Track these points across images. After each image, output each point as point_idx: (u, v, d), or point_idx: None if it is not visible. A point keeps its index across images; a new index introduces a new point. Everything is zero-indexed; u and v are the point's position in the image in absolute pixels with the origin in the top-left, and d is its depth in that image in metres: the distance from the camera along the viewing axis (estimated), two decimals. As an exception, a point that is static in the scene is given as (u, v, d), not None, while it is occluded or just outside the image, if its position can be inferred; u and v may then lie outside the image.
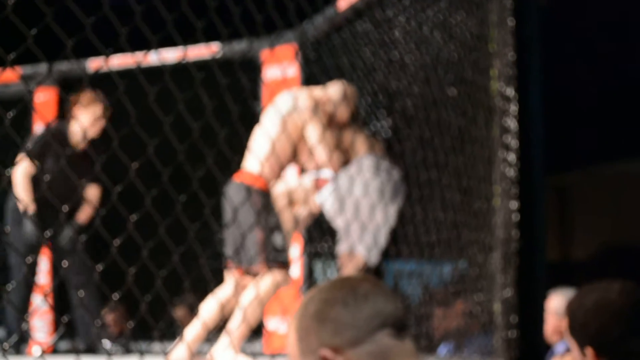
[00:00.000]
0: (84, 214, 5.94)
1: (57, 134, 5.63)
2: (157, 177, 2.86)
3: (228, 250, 4.87)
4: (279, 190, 5.09)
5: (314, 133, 4.95)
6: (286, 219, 5.09)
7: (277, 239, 4.88)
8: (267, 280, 4.81)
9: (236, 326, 4.77)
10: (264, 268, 4.84)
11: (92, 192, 5.87)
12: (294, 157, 5.14)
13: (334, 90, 5.10)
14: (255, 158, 4.91)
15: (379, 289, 1.95)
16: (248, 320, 4.69)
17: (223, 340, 4.84)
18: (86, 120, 5.59)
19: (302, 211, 5.34)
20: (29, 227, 5.64)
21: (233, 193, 4.89)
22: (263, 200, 4.89)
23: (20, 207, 5.70)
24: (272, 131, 4.88)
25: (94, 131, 5.65)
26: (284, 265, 4.91)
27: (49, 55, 2.45)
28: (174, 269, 2.87)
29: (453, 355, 4.93)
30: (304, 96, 5.02)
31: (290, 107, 4.90)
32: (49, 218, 5.41)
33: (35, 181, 5.58)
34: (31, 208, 5.62)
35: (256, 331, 6.17)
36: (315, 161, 5.14)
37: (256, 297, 4.72)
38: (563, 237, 20.77)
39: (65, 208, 5.15)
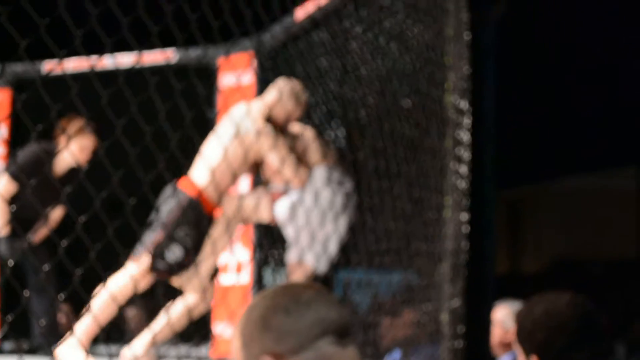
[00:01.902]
0: (42, 232, 6.10)
1: (39, 157, 5.64)
2: (109, 180, 2.85)
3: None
4: (230, 202, 5.10)
5: (271, 153, 4.98)
6: (228, 226, 5.09)
7: (172, 251, 4.89)
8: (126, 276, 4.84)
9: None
10: (137, 265, 4.87)
11: (56, 214, 5.95)
12: (244, 171, 5.15)
13: (277, 88, 5.12)
14: (202, 171, 4.92)
15: (322, 296, 1.96)
16: (96, 316, 4.72)
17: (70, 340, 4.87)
18: (72, 150, 5.64)
19: (252, 218, 5.36)
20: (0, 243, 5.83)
21: (166, 194, 4.90)
22: (191, 211, 4.90)
23: None
24: (218, 150, 4.87)
25: (80, 159, 5.71)
26: (158, 274, 4.93)
27: (2, 55, 2.44)
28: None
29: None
30: (257, 110, 5.02)
31: (239, 126, 4.89)
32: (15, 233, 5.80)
33: (11, 200, 5.73)
34: (5, 231, 5.81)
35: (204, 335, 6.18)
36: (271, 175, 5.17)
37: (109, 288, 4.75)
38: (513, 250, 20.90)
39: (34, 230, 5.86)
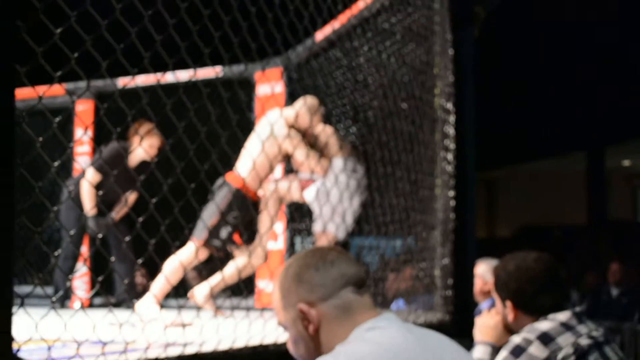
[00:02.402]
0: (121, 210, 6.18)
1: (119, 153, 5.69)
2: (174, 170, 2.85)
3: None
4: (269, 187, 5.12)
5: (297, 151, 5.00)
6: (271, 206, 5.13)
7: (224, 231, 4.92)
8: (189, 250, 4.88)
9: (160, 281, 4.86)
10: (195, 242, 4.89)
11: (132, 197, 6.01)
12: (277, 163, 5.17)
13: (299, 105, 5.13)
14: (245, 164, 4.95)
15: (343, 256, 1.96)
16: (167, 277, 4.75)
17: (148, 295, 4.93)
18: (143, 147, 5.73)
19: (287, 198, 5.37)
20: (89, 221, 5.88)
21: (218, 183, 4.93)
22: (238, 199, 4.92)
23: (84, 207, 5.86)
24: (258, 146, 4.90)
25: (148, 156, 5.75)
26: (213, 248, 4.95)
27: (88, 73, 2.43)
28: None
29: (403, 309, 4.93)
30: (286, 117, 5.04)
31: (272, 129, 4.90)
32: (101, 212, 5.93)
33: (97, 186, 5.81)
34: (93, 211, 5.85)
35: (249, 290, 6.18)
36: (298, 166, 5.19)
37: (177, 257, 4.77)
38: (489, 219, 20.85)
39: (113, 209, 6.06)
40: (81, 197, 5.82)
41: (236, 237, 5.05)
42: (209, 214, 4.89)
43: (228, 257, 5.18)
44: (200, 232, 4.88)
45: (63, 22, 2.25)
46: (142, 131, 5.63)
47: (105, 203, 5.96)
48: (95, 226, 5.86)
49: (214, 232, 4.90)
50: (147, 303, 4.79)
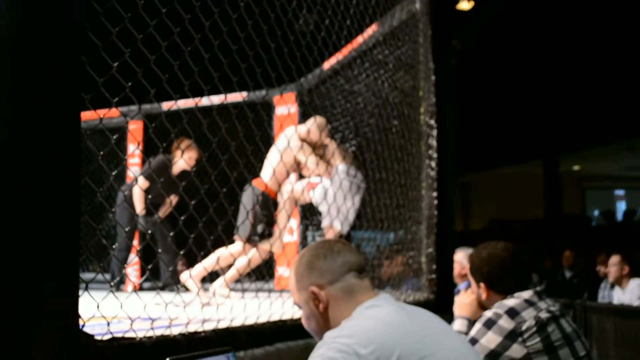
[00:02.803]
0: (166, 210, 6.18)
1: (165, 164, 5.69)
2: (209, 177, 2.86)
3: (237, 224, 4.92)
4: (286, 188, 5.13)
5: (301, 156, 5.00)
6: (288, 206, 5.13)
7: (259, 227, 4.93)
8: (230, 247, 4.88)
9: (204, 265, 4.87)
10: (242, 240, 4.89)
11: (173, 199, 6.04)
12: (293, 170, 5.18)
13: (310, 123, 5.13)
14: (267, 171, 4.97)
15: (347, 247, 1.97)
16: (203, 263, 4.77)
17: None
18: (184, 159, 5.75)
19: (300, 200, 5.38)
20: (140, 219, 5.88)
21: (247, 191, 4.95)
22: (263, 199, 4.94)
23: (136, 208, 5.87)
24: (277, 156, 4.92)
25: (188, 166, 5.78)
26: (252, 242, 4.96)
27: (138, 98, 2.44)
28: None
29: (395, 290, 4.92)
30: (300, 132, 5.05)
31: (288, 142, 4.92)
32: (149, 212, 5.95)
33: (146, 191, 5.85)
34: (142, 211, 5.88)
35: (270, 275, 6.18)
36: (308, 171, 5.19)
37: (228, 251, 4.75)
38: (464, 215, 20.81)
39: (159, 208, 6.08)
40: (133, 200, 5.84)
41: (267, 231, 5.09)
42: (245, 214, 4.92)
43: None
44: (241, 230, 4.90)
45: (119, 56, 2.27)
46: (183, 145, 5.66)
47: (152, 205, 5.98)
48: (145, 223, 5.88)
49: (253, 229, 4.93)
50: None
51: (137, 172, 6.38)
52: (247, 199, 4.93)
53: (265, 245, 5.00)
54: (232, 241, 4.94)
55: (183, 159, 5.75)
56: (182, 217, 2.62)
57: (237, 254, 4.85)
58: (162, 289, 5.86)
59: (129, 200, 5.86)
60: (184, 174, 5.93)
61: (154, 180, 5.62)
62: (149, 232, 5.86)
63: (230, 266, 5.06)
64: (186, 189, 2.80)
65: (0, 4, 1.61)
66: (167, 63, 2.47)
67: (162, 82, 2.40)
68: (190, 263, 5.44)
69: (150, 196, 5.82)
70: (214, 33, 2.67)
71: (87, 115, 2.10)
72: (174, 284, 5.43)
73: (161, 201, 6.07)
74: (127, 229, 5.86)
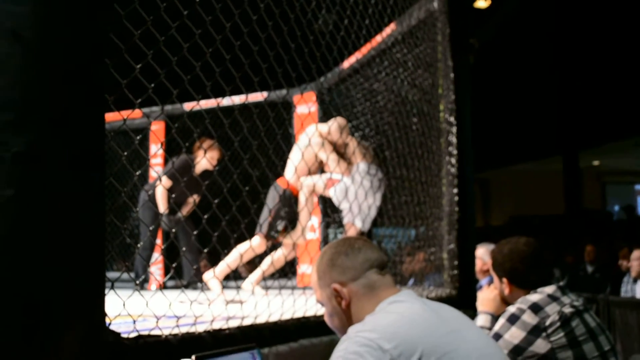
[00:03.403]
0: (189, 209, 6.22)
1: (187, 163, 5.71)
2: (231, 176, 2.86)
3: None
4: (306, 182, 5.12)
5: (322, 154, 4.99)
6: (308, 202, 5.13)
7: (279, 223, 4.93)
8: (249, 243, 4.87)
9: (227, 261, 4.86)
10: (261, 235, 4.90)
11: (196, 198, 6.05)
12: (314, 168, 5.19)
13: (331, 123, 5.11)
14: (290, 169, 4.98)
15: (368, 244, 1.97)
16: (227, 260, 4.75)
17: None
18: (206, 158, 5.74)
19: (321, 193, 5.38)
20: (163, 218, 5.91)
21: (271, 189, 4.97)
22: (285, 197, 4.95)
23: (159, 207, 5.85)
24: (299, 154, 4.95)
25: (210, 166, 5.79)
26: (269, 237, 4.97)
27: (160, 99, 2.44)
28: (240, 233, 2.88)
29: (417, 286, 4.90)
30: (320, 131, 5.05)
31: (309, 140, 4.93)
32: (172, 211, 5.97)
33: (170, 190, 5.84)
34: (165, 210, 5.87)
35: (293, 272, 6.18)
36: (329, 169, 5.18)
37: (245, 247, 4.77)
38: (484, 211, 20.73)
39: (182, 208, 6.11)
40: (156, 199, 5.86)
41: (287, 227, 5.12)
42: (267, 212, 4.95)
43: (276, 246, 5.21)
44: (262, 226, 4.93)
45: (142, 58, 2.27)
46: (205, 145, 5.67)
47: (175, 204, 6.00)
48: (168, 222, 5.90)
49: (272, 225, 4.94)
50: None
51: (160, 172, 6.39)
52: (270, 196, 4.96)
53: (287, 240, 5.03)
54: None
55: (205, 159, 5.77)
56: (205, 216, 2.62)
57: (257, 248, 4.87)
58: (186, 287, 5.89)
59: (152, 199, 5.87)
60: (206, 173, 5.94)
61: (177, 179, 5.64)
62: (173, 230, 5.87)
63: (251, 261, 5.07)
64: (208, 188, 2.80)
65: (24, 6, 1.61)
66: (189, 64, 2.47)
67: (183, 83, 2.40)
68: (213, 262, 5.46)
69: (173, 195, 5.84)
70: (235, 34, 2.67)
71: (110, 117, 2.11)
72: (197, 282, 5.44)
73: (184, 200, 6.09)
74: (150, 228, 5.88)
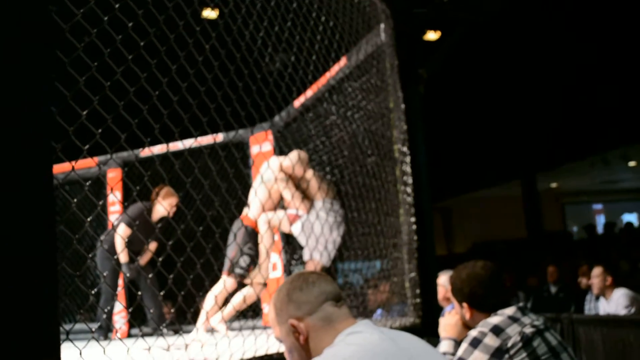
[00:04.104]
0: (146, 257, 6.15)
1: (142, 211, 5.71)
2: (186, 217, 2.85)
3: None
4: (264, 218, 5.12)
5: (287, 192, 5.01)
6: (267, 237, 5.12)
7: (242, 260, 4.93)
8: (221, 283, 4.88)
9: (202, 312, 4.93)
10: (226, 274, 4.91)
11: (153, 245, 6.06)
12: (275, 204, 5.20)
13: (292, 155, 5.14)
14: (254, 206, 4.98)
15: (322, 277, 1.96)
16: (205, 308, 4.84)
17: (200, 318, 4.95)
18: (164, 205, 5.74)
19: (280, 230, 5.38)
20: (122, 267, 5.81)
21: (235, 226, 4.96)
22: (250, 234, 4.96)
23: (119, 256, 5.78)
24: (264, 190, 4.95)
25: (169, 212, 5.78)
26: (237, 276, 4.97)
27: (111, 145, 2.43)
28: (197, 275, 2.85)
29: (383, 317, 4.90)
30: (278, 166, 5.06)
31: (269, 176, 4.96)
32: (131, 259, 5.85)
33: (128, 239, 5.77)
34: (125, 259, 5.78)
35: (256, 312, 6.13)
36: (288, 205, 5.18)
37: (212, 292, 4.85)
38: (447, 239, 20.84)
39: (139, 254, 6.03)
40: (116, 249, 5.80)
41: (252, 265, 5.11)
42: (230, 250, 4.95)
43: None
44: (226, 265, 4.94)
45: (88, 104, 2.26)
46: (162, 193, 5.68)
47: (133, 252, 5.96)
48: (128, 270, 5.84)
49: (234, 262, 4.93)
50: (217, 322, 4.91)
51: (118, 220, 6.32)
52: (236, 234, 4.97)
53: (258, 278, 5.01)
54: (215, 278, 4.94)
55: (163, 206, 5.75)
56: (160, 259, 2.60)
57: (230, 288, 4.87)
58: (151, 334, 5.80)
59: (110, 249, 5.81)
60: (163, 220, 5.93)
61: (132, 227, 5.62)
62: (131, 277, 5.81)
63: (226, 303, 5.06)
64: (168, 234, 2.79)
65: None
66: (137, 110, 2.48)
67: (131, 127, 2.39)
68: (172, 304, 5.41)
69: (130, 244, 5.79)
70: (198, 78, 2.69)
71: (64, 167, 2.10)
72: (160, 328, 5.38)
73: (141, 248, 6.04)
74: (110, 278, 5.82)
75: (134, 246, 5.94)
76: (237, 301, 5.04)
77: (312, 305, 1.89)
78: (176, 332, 5.19)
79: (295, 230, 5.14)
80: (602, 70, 12.07)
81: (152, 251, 6.06)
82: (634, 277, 9.27)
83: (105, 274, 5.79)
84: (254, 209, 5.07)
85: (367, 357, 1.70)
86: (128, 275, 5.84)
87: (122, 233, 5.74)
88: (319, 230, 4.84)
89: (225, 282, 4.88)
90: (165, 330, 5.78)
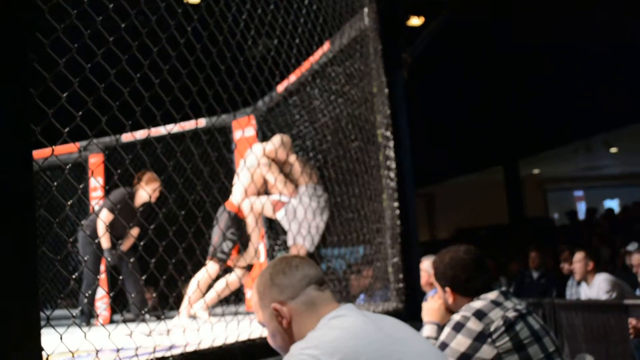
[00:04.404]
0: (128, 243, 6.15)
1: (124, 196, 5.68)
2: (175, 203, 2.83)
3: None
4: (247, 204, 5.12)
5: (270, 176, 5.00)
6: (250, 223, 5.13)
7: (225, 245, 4.94)
8: (205, 268, 4.90)
9: (185, 297, 5.02)
10: (209, 259, 5.00)
11: (136, 231, 6.06)
12: (262, 189, 5.21)
13: (275, 139, 5.14)
14: (237, 192, 4.98)
15: (305, 261, 1.96)
16: (188, 294, 4.95)
17: (183, 304, 5.04)
18: (147, 191, 5.74)
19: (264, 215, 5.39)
20: (104, 252, 5.82)
21: (219, 212, 4.97)
22: (234, 220, 4.96)
23: (101, 241, 5.78)
24: (247, 176, 4.95)
25: (151, 197, 5.79)
26: (218, 260, 5.02)
27: (97, 131, 2.40)
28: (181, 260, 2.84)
29: (366, 302, 4.90)
30: (261, 151, 5.06)
31: (252, 161, 4.96)
32: (113, 245, 5.89)
33: (111, 224, 5.77)
34: (107, 244, 5.81)
35: (240, 298, 6.12)
36: (273, 190, 5.18)
37: (195, 278, 4.91)
38: (430, 225, 20.93)
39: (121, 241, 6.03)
40: (98, 234, 5.77)
41: (234, 251, 5.12)
42: (213, 235, 4.95)
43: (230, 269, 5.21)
44: (210, 250, 5.01)
45: (68, 87, 2.23)
46: (145, 178, 5.66)
47: (115, 237, 5.93)
48: (110, 256, 5.81)
49: (218, 248, 4.92)
50: (199, 308, 4.97)
51: (100, 206, 6.28)
52: (221, 219, 4.99)
53: (241, 262, 5.04)
54: (198, 263, 4.95)
55: (146, 191, 5.73)
56: (142, 243, 2.58)
57: (213, 274, 4.87)
58: (133, 320, 5.79)
59: (92, 234, 5.78)
60: (145, 205, 5.91)
61: (114, 212, 5.59)
62: (113, 263, 5.79)
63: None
64: (151, 219, 2.77)
65: None
66: (119, 92, 2.45)
67: (114, 112, 2.37)
68: (154, 289, 5.43)
69: (112, 229, 5.77)
70: (181, 61, 2.66)
71: (46, 152, 2.08)
72: (141, 313, 5.37)
73: (123, 233, 6.01)
74: (91, 263, 5.80)
75: (116, 231, 5.91)
76: (220, 287, 5.05)
77: (295, 289, 1.89)
78: (158, 317, 5.16)
79: (279, 215, 5.14)
80: (584, 55, 12.10)
81: (134, 236, 6.04)
82: (614, 263, 9.35)
83: (86, 258, 5.76)
84: (237, 195, 5.08)
85: (351, 340, 1.70)
86: (110, 260, 5.82)
87: (104, 218, 5.71)
88: (302, 215, 4.84)
89: (209, 268, 4.88)
90: (147, 316, 5.77)
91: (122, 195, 5.70)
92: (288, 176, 5.19)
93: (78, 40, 2.29)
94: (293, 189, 5.15)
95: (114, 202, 5.62)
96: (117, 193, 5.79)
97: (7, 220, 1.68)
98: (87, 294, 5.78)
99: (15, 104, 1.75)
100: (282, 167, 5.21)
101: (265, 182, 5.22)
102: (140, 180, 5.81)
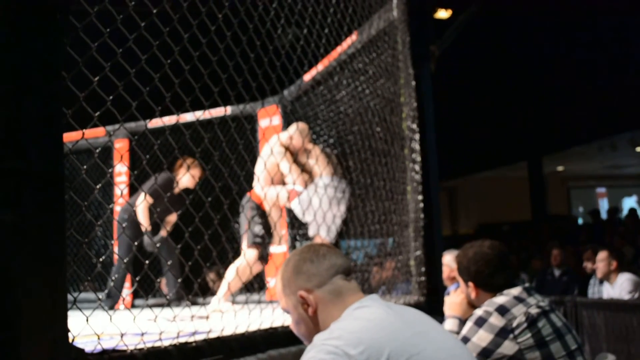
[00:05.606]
0: (169, 227, 6.18)
1: (170, 181, 5.72)
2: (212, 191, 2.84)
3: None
4: (270, 193, 5.14)
5: (283, 162, 5.08)
6: (273, 211, 5.16)
7: (257, 228, 5.01)
8: (242, 256, 4.98)
9: (224, 282, 5.03)
10: (249, 246, 5.05)
11: (173, 217, 6.08)
12: (277, 178, 5.22)
13: (291, 128, 5.16)
14: (255, 183, 5.00)
15: (333, 250, 1.97)
16: (227, 279, 4.96)
17: (219, 292, 5.08)
18: (188, 176, 5.73)
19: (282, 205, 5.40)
20: (144, 236, 5.74)
21: (244, 201, 5.01)
22: (254, 207, 4.99)
23: (141, 225, 5.72)
24: (262, 166, 5.03)
25: (191, 183, 5.81)
26: (255, 245, 5.06)
27: (125, 115, 2.41)
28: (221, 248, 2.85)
29: (386, 295, 4.90)
30: (277, 140, 5.07)
31: (271, 150, 4.98)
32: (154, 229, 5.98)
33: (151, 209, 5.76)
34: (147, 227, 5.79)
35: (261, 286, 6.14)
36: (291, 180, 5.19)
37: (234, 265, 4.97)
38: (452, 220, 20.86)
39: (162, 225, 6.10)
40: (138, 216, 5.74)
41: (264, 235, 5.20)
42: (241, 224, 5.16)
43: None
44: (245, 239, 5.08)
45: (100, 71, 2.25)
46: (189, 163, 5.64)
47: (156, 221, 5.93)
48: (149, 240, 5.77)
49: (253, 234, 5.04)
50: (222, 294, 4.97)
51: (145, 189, 6.17)
52: (245, 209, 5.04)
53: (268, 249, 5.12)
54: (237, 252, 5.01)
55: (187, 177, 5.71)
56: (189, 229, 2.59)
57: (252, 261, 4.92)
58: (168, 304, 5.80)
59: (130, 219, 5.74)
60: (185, 191, 5.91)
61: (159, 197, 5.56)
62: (155, 248, 5.75)
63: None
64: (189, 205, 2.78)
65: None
66: (150, 78, 2.46)
67: (145, 98, 2.38)
68: (196, 277, 5.48)
69: (155, 214, 5.75)
70: (211, 49, 2.67)
71: (74, 136, 2.09)
72: (179, 299, 5.40)
73: (162, 218, 6.01)
74: (124, 248, 5.76)
75: (158, 215, 5.88)
76: (243, 273, 5.07)
77: (322, 277, 1.89)
78: (194, 303, 5.22)
79: (293, 204, 5.16)
80: (615, 55, 11.98)
81: (172, 222, 6.05)
82: (637, 263, 9.27)
83: (118, 242, 5.76)
84: (259, 184, 5.10)
85: (374, 332, 1.70)
86: (150, 245, 5.77)
87: (149, 201, 5.71)
88: (316, 206, 4.85)
89: (247, 255, 4.93)
90: (187, 301, 5.78)
91: (169, 179, 5.69)
92: (304, 165, 5.20)
93: (110, 25, 2.30)
94: (308, 178, 5.15)
95: (159, 186, 5.58)
96: (163, 177, 5.78)
97: (37, 201, 1.69)
98: (114, 277, 5.80)
99: (48, 87, 1.76)
100: (298, 155, 5.22)
101: (280, 172, 5.23)
102: (181, 167, 5.79)
